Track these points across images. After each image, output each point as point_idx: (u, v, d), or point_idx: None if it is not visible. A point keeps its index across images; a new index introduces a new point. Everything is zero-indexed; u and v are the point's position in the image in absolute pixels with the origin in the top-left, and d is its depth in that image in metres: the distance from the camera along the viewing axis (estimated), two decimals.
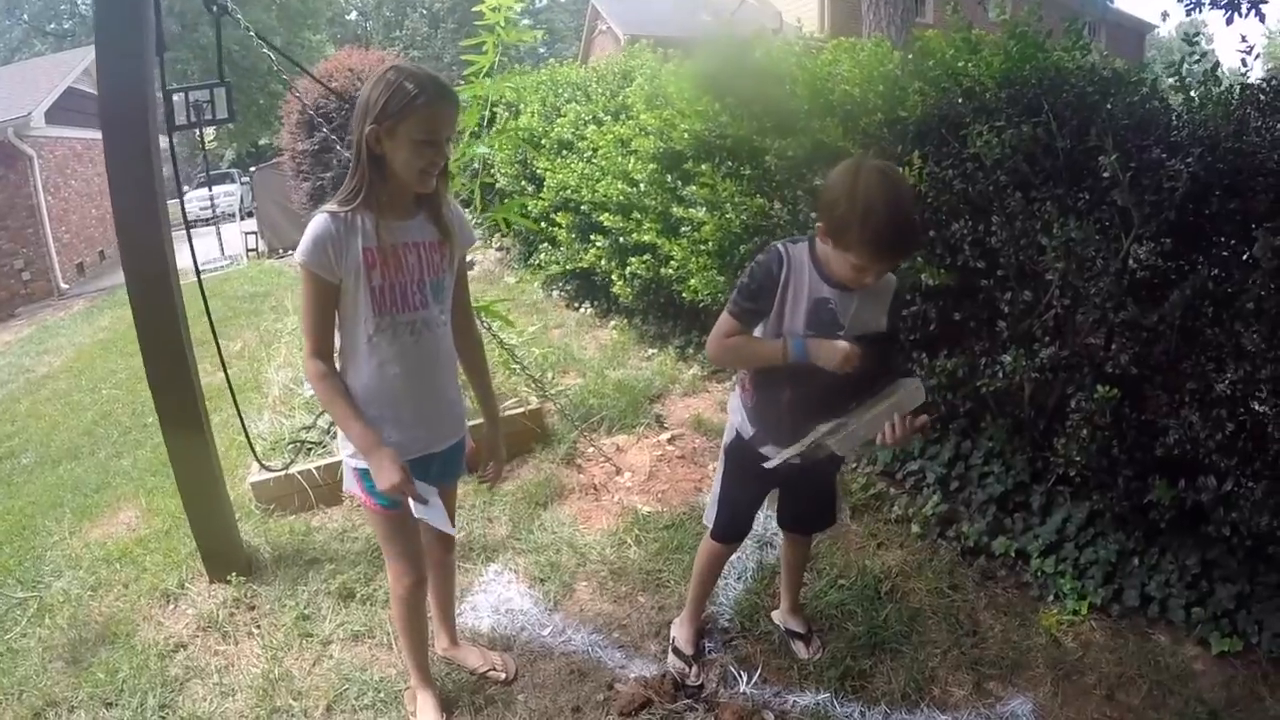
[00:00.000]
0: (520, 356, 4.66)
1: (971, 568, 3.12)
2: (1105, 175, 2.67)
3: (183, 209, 3.76)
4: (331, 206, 2.03)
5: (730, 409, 2.42)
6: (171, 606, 3.30)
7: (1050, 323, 2.96)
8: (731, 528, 2.58)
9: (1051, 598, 2.96)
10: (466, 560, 3.49)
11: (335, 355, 2.14)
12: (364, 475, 2.19)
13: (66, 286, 16.26)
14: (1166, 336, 2.67)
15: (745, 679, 2.71)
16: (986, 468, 3.27)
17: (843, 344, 1.96)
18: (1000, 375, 2.96)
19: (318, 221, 2.00)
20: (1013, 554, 3.07)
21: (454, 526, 2.59)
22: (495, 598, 3.22)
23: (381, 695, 2.69)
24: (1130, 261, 2.69)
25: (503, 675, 2.77)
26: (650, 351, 5.61)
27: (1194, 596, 2.74)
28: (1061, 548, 3.01)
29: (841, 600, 2.99)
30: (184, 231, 3.33)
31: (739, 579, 3.22)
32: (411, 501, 2.05)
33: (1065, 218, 2.73)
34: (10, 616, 3.41)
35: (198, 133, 3.85)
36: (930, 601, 2.97)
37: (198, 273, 3.53)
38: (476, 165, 4.46)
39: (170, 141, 3.23)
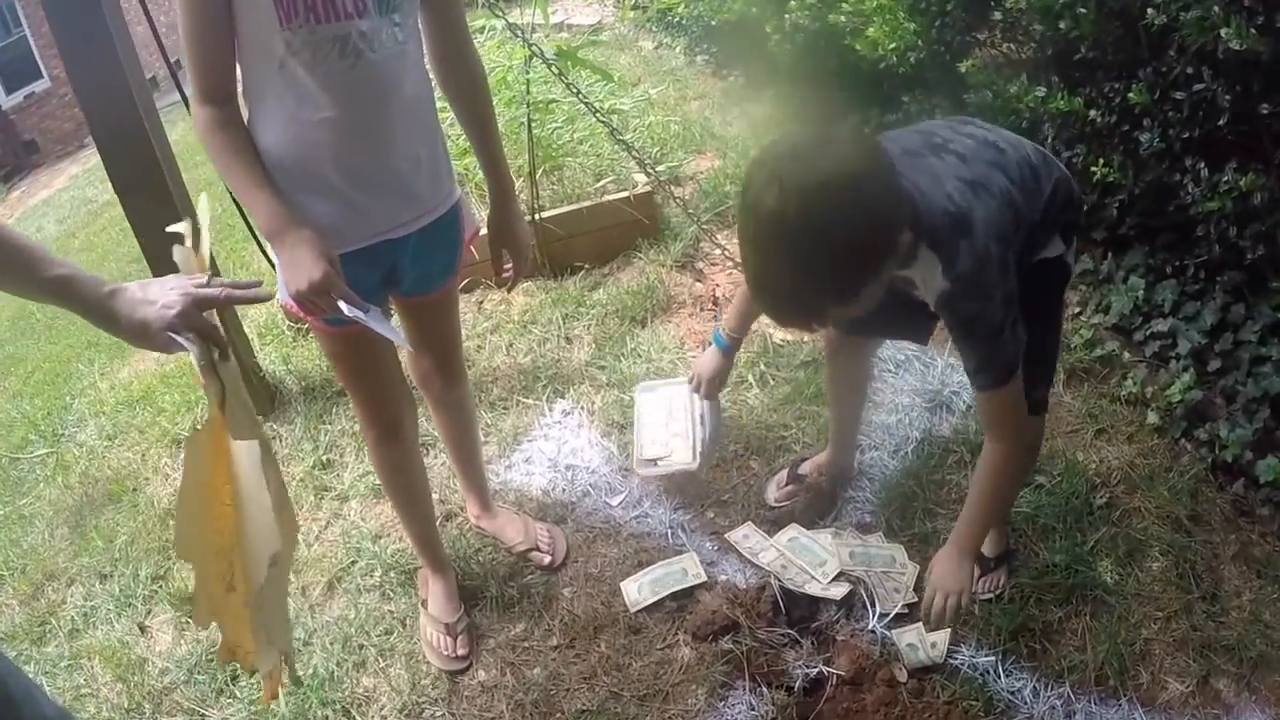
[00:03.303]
0: (621, 125, 4.03)
1: (1224, 493, 2.32)
2: None
3: None
4: None
5: None
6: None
7: None
8: None
9: None
10: (526, 392, 3.04)
11: (240, 98, 1.62)
12: None
13: None
14: None
15: (874, 611, 2.11)
16: (1264, 349, 2.46)
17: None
18: None
19: None
20: None
21: (460, 373, 2.17)
22: (556, 447, 2.82)
23: (392, 573, 2.47)
24: None
25: (547, 559, 2.40)
26: (815, 129, 4.81)
27: None
28: None
29: (1036, 507, 2.30)
30: None
31: (895, 451, 2.57)
32: (344, 305, 1.53)
33: None
34: (31, 476, 3.51)
35: None
36: (1158, 533, 2.24)
37: None
38: None
39: None
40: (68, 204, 9.49)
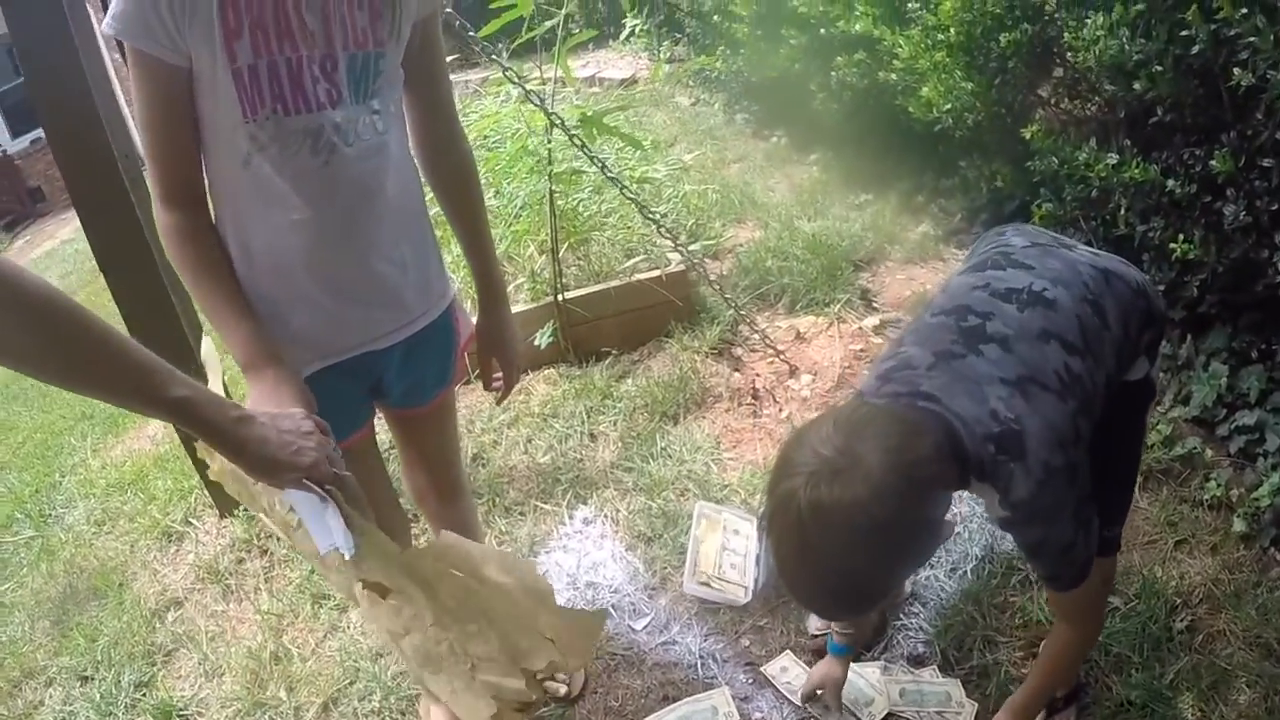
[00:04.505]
0: (653, 196, 4.01)
1: None
2: None
3: None
4: None
5: None
6: (174, 548, 3.26)
7: None
8: None
9: None
10: (544, 496, 2.98)
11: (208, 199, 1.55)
12: None
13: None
14: None
15: None
16: None
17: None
18: None
19: None
20: None
21: (459, 489, 2.07)
22: (576, 560, 2.73)
23: (392, 698, 2.38)
24: None
25: (564, 689, 2.31)
26: (863, 197, 4.93)
27: None
28: None
29: (1109, 634, 2.16)
30: None
31: (952, 570, 2.46)
32: (292, 492, 1.35)
33: None
34: (14, 560, 3.56)
35: None
36: (1244, 660, 2.09)
37: None
38: None
39: None
40: (72, 258, 9.65)
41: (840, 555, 1.27)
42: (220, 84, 1.38)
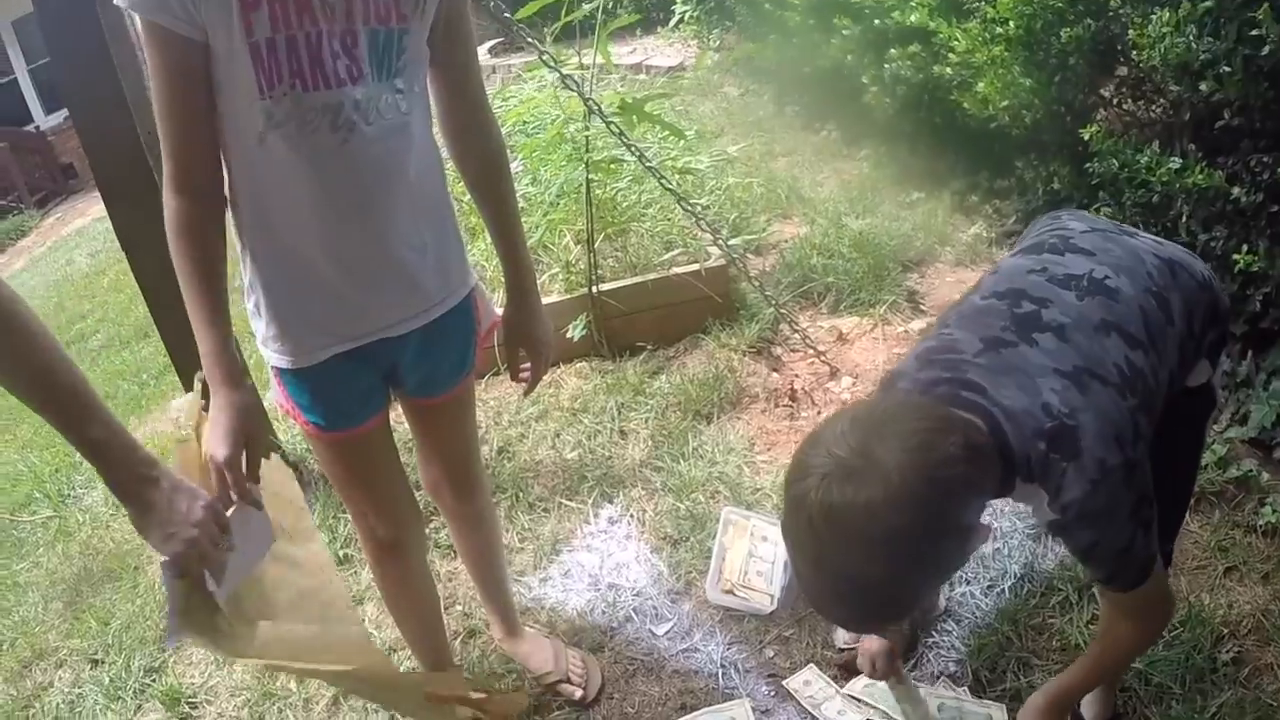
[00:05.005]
0: (695, 188, 3.97)
1: None
2: None
3: None
4: None
5: None
6: None
7: None
8: None
9: None
10: (570, 493, 2.97)
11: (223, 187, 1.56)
12: (285, 376, 1.68)
13: None
14: None
15: None
16: None
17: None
18: None
19: None
20: None
21: (475, 485, 2.07)
22: (599, 561, 2.72)
23: None
24: None
25: (579, 693, 2.29)
26: (914, 195, 4.86)
27: None
28: None
29: (1150, 663, 2.11)
30: None
31: (989, 588, 2.41)
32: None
33: None
34: (31, 540, 3.64)
35: None
36: None
37: None
38: None
39: None
40: (102, 236, 9.70)
41: (856, 563, 1.21)
42: (236, 58, 1.38)
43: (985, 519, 1.69)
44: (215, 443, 1.48)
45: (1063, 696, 1.64)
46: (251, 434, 1.50)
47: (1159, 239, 1.63)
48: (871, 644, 1.93)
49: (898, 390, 1.43)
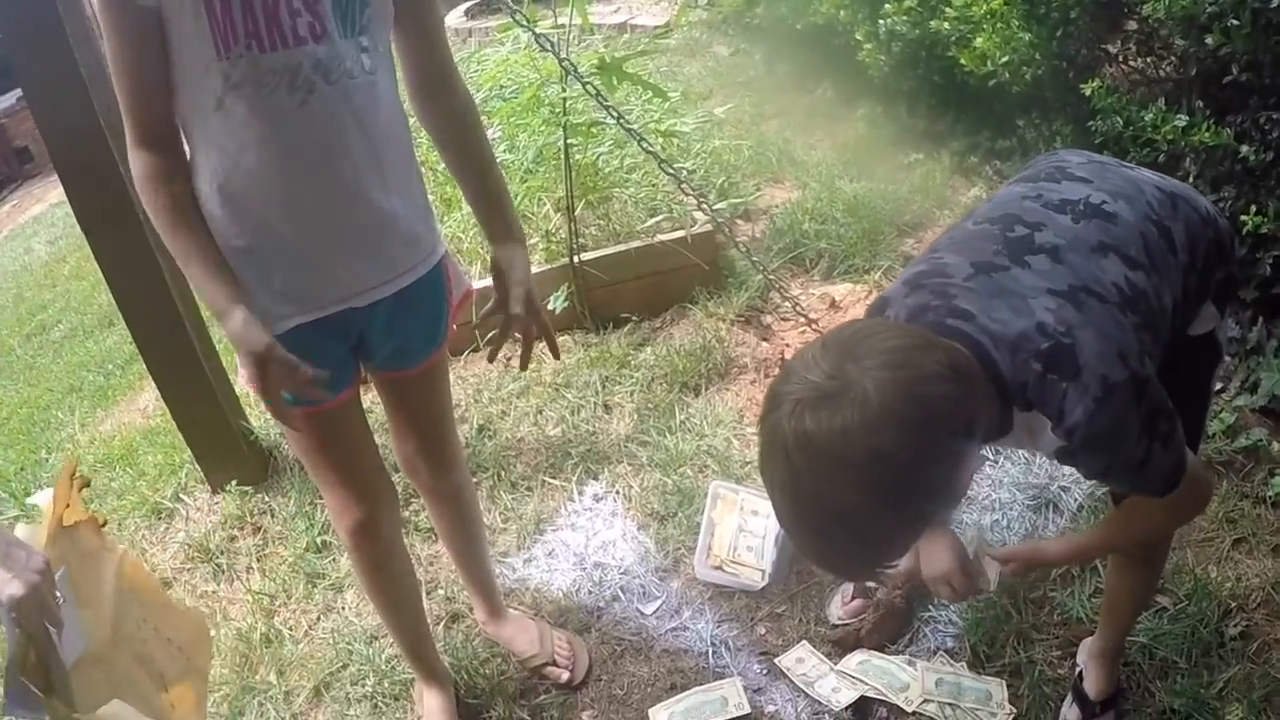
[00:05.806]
0: (680, 151, 3.97)
1: None
2: None
3: None
4: None
5: None
6: (163, 526, 3.26)
7: None
8: None
9: None
10: (553, 471, 2.99)
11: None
12: None
13: None
14: None
15: None
16: None
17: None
18: None
19: None
20: None
21: (451, 458, 2.10)
22: (584, 539, 2.75)
23: (386, 682, 2.42)
24: None
25: (565, 675, 2.33)
26: (912, 156, 4.86)
27: None
28: None
29: (1155, 636, 2.16)
30: None
31: None
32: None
33: None
34: None
35: None
36: None
37: None
38: None
39: None
40: (61, 222, 9.67)
41: (837, 493, 1.15)
42: (191, 19, 1.39)
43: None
44: (246, 349, 1.50)
45: (1075, 552, 1.74)
46: (272, 347, 1.50)
47: (1160, 174, 1.61)
48: (937, 564, 1.80)
49: (863, 319, 1.42)
